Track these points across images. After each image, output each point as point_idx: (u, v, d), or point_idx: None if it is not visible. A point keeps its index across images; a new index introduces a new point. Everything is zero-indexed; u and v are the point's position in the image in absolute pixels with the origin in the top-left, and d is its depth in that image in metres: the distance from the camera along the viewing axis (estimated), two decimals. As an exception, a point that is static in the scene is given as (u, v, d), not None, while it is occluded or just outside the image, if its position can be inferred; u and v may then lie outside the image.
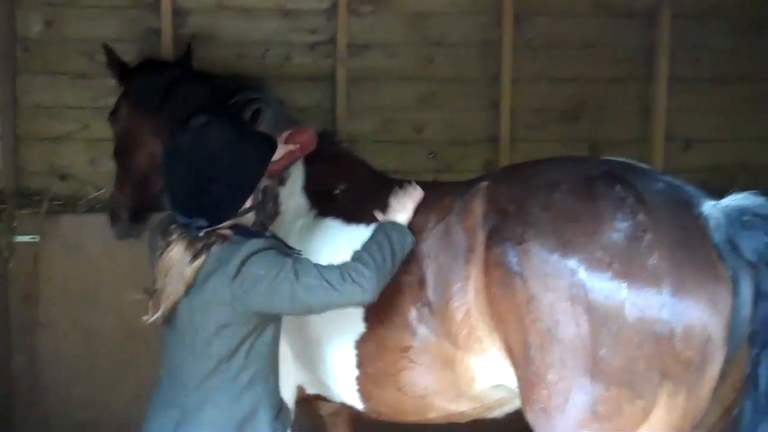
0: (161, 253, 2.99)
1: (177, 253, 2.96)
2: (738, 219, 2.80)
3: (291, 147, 3.78)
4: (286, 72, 5.26)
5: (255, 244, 2.96)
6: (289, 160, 3.76)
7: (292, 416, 3.35)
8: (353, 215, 3.66)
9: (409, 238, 3.26)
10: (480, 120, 5.45)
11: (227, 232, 3.00)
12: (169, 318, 3.01)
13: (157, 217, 4.60)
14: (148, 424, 3.14)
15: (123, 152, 4.51)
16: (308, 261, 3.04)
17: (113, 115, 4.53)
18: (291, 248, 3.23)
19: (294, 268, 2.94)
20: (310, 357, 3.66)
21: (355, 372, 3.52)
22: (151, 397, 3.19)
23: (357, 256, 3.09)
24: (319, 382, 3.75)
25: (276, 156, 3.61)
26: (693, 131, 5.63)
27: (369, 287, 3.00)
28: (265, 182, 3.20)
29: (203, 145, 3.00)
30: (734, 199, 2.88)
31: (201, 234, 2.97)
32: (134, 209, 4.54)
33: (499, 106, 5.38)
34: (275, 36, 5.25)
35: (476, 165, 5.42)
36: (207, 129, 3.02)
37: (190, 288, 2.95)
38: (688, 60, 5.57)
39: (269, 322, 3.07)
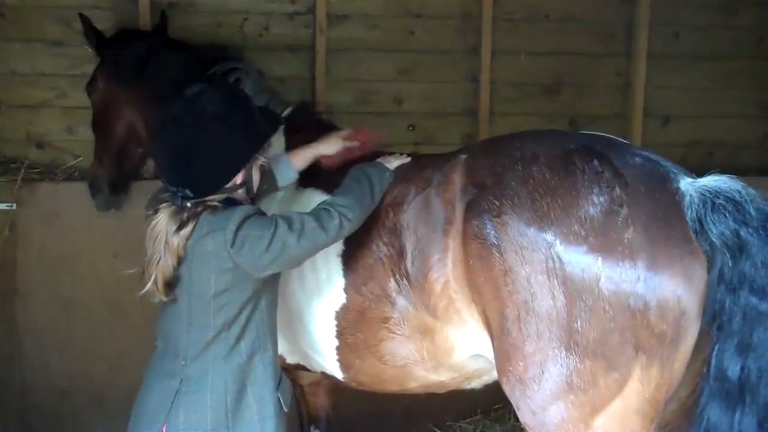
0: (149, 222, 3.00)
1: (162, 222, 2.96)
2: (710, 200, 2.81)
3: (350, 144, 3.72)
4: (265, 42, 5.22)
5: (245, 209, 2.98)
6: (345, 157, 3.69)
7: (290, 384, 3.36)
8: (334, 186, 3.65)
9: (387, 173, 3.32)
10: (459, 93, 5.45)
11: (215, 204, 2.99)
12: (164, 290, 2.99)
13: (136, 186, 4.63)
14: (146, 394, 3.14)
15: (101, 123, 4.50)
16: (293, 212, 3.08)
17: (90, 86, 4.51)
18: None
19: (285, 222, 2.97)
20: (290, 327, 3.67)
21: (336, 342, 3.54)
22: (148, 367, 3.19)
23: (338, 192, 3.16)
24: (300, 351, 3.77)
25: (331, 151, 3.64)
26: (671, 107, 5.66)
27: (353, 218, 3.11)
28: (261, 161, 3.16)
29: (192, 115, 2.97)
30: (712, 180, 2.88)
31: (188, 204, 2.96)
32: (114, 180, 4.53)
33: (478, 79, 5.38)
34: (254, 5, 5.20)
35: (455, 138, 5.43)
36: (199, 99, 2.98)
37: (181, 258, 2.94)
38: (668, 36, 5.59)
39: (265, 289, 3.08)
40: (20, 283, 5.02)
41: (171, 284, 2.98)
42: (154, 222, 2.99)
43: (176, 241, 2.92)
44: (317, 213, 3.09)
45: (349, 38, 5.29)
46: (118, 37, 4.57)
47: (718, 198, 2.81)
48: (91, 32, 4.52)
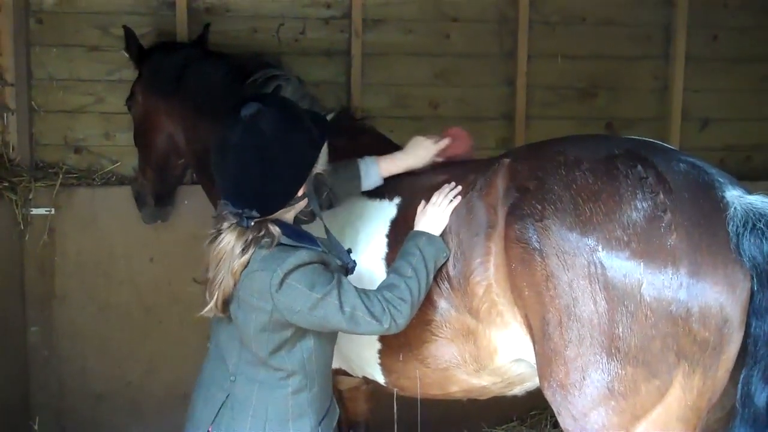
0: (211, 241, 2.95)
1: (228, 244, 2.91)
2: (753, 221, 2.75)
3: (442, 145, 3.73)
4: (301, 47, 5.24)
5: (301, 256, 2.90)
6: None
7: (339, 414, 3.32)
8: (378, 190, 3.66)
9: (444, 254, 3.24)
10: (495, 96, 5.43)
11: (275, 229, 2.93)
12: (222, 307, 2.97)
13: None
14: (197, 398, 3.13)
15: (142, 136, 4.54)
16: (350, 287, 2.97)
17: (130, 100, 4.57)
18: (341, 253, 3.17)
19: (339, 295, 2.90)
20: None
21: (378, 345, 3.54)
22: (203, 367, 3.18)
23: (397, 285, 3.06)
24: (342, 356, 3.76)
25: (421, 164, 3.66)
26: (709, 110, 5.62)
27: (402, 323, 3.03)
28: (317, 169, 3.10)
29: (253, 139, 2.90)
30: (760, 200, 2.82)
31: (252, 224, 2.91)
32: (158, 192, 4.58)
33: (514, 82, 5.37)
34: (290, 10, 5.22)
35: (491, 142, 5.42)
36: (257, 120, 2.91)
37: (237, 282, 2.92)
38: (706, 38, 5.54)
39: (308, 332, 3.02)
40: (58, 287, 5.07)
41: (228, 302, 2.96)
42: (218, 243, 2.93)
43: (237, 266, 2.89)
44: (373, 303, 2.98)
45: (384, 42, 5.30)
46: (156, 49, 4.61)
47: (761, 221, 2.75)
48: (134, 45, 4.56)
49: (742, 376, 2.77)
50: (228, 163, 2.94)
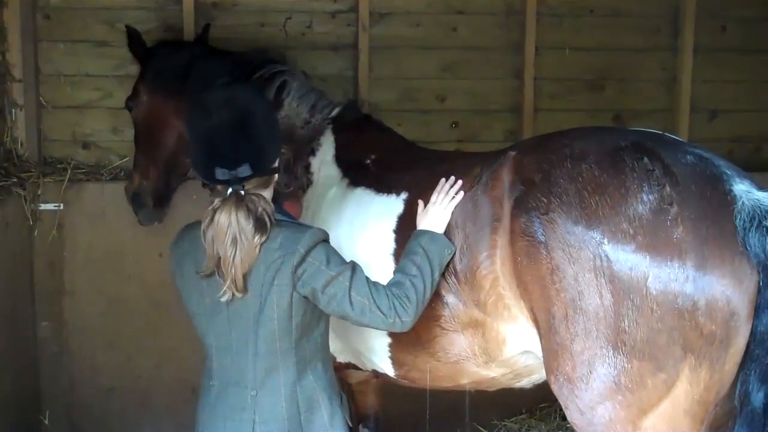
0: (209, 222, 2.90)
1: (227, 217, 2.87)
2: (759, 218, 2.73)
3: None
4: (308, 41, 5.24)
5: (316, 233, 2.95)
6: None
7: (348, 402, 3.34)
8: (384, 185, 3.67)
9: (449, 250, 3.24)
10: (503, 89, 5.42)
11: (267, 199, 2.95)
12: (242, 283, 2.91)
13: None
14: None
15: (146, 135, 4.52)
16: (363, 274, 3.00)
17: (131, 100, 4.54)
18: None
19: (351, 278, 2.94)
20: (342, 326, 3.67)
21: (388, 339, 3.56)
22: (204, 410, 3.12)
23: (402, 283, 3.08)
24: (352, 350, 3.78)
25: None
26: (718, 102, 5.59)
27: (408, 320, 3.04)
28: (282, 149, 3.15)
29: (237, 97, 2.97)
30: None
31: (244, 192, 2.90)
32: (159, 193, 4.55)
33: (522, 75, 5.35)
34: (297, 4, 5.21)
35: (498, 135, 5.41)
36: (232, 86, 3.05)
37: (257, 256, 2.90)
38: (715, 30, 5.51)
39: (322, 316, 3.06)
40: (67, 283, 5.09)
41: (246, 277, 2.92)
42: (216, 221, 2.88)
43: (252, 235, 2.87)
44: (381, 296, 2.99)
45: (391, 36, 5.29)
46: (159, 48, 4.61)
47: (767, 218, 2.73)
48: (139, 45, 4.55)
49: (740, 375, 2.77)
50: (217, 123, 2.91)
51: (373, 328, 3.12)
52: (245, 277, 2.90)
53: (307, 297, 2.94)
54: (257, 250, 2.89)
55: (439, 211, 3.31)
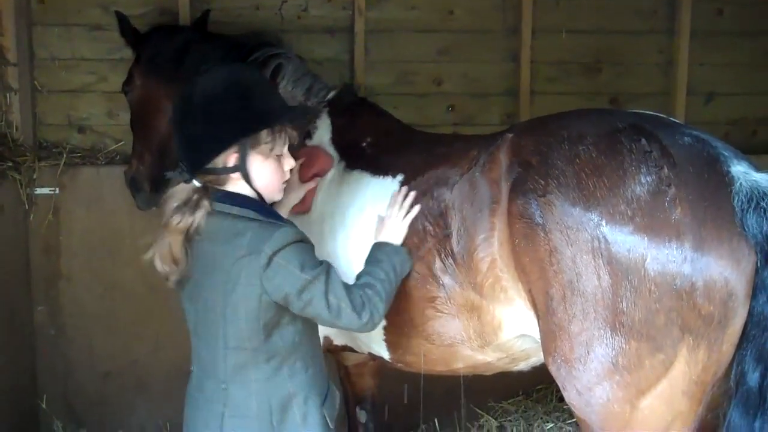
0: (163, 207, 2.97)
1: (170, 203, 2.94)
2: (756, 199, 2.73)
3: (310, 184, 3.74)
4: (304, 24, 5.22)
5: (287, 233, 2.88)
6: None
7: (339, 397, 3.31)
8: (381, 167, 3.66)
9: (408, 265, 3.29)
10: (499, 72, 5.41)
11: (215, 193, 2.95)
12: (183, 284, 2.98)
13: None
14: (193, 420, 3.09)
15: (142, 120, 4.51)
16: (337, 276, 2.97)
17: (127, 84, 4.53)
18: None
19: (326, 282, 2.90)
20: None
21: (383, 322, 3.53)
22: (188, 395, 3.15)
23: (373, 285, 3.08)
24: (347, 333, 3.78)
25: (296, 198, 3.64)
26: (714, 85, 5.58)
27: (378, 321, 3.06)
28: (274, 151, 3.02)
29: (190, 90, 2.94)
30: (766, 179, 2.79)
31: (193, 182, 2.94)
32: (156, 177, 4.54)
33: (518, 58, 5.34)
34: (293, -13, 5.20)
35: (495, 118, 5.40)
36: (203, 78, 2.94)
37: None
38: (711, 13, 5.50)
39: (295, 314, 3.00)
40: (64, 267, 5.09)
41: (208, 304, 2.95)
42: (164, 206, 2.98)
43: (181, 220, 2.91)
44: (355, 297, 2.98)
45: (387, 19, 5.27)
46: (154, 32, 4.59)
47: (764, 200, 2.73)
48: (128, 30, 4.54)
49: (736, 355, 2.77)
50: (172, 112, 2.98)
51: (343, 329, 3.11)
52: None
53: (270, 298, 2.88)
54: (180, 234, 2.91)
55: (395, 224, 3.33)
